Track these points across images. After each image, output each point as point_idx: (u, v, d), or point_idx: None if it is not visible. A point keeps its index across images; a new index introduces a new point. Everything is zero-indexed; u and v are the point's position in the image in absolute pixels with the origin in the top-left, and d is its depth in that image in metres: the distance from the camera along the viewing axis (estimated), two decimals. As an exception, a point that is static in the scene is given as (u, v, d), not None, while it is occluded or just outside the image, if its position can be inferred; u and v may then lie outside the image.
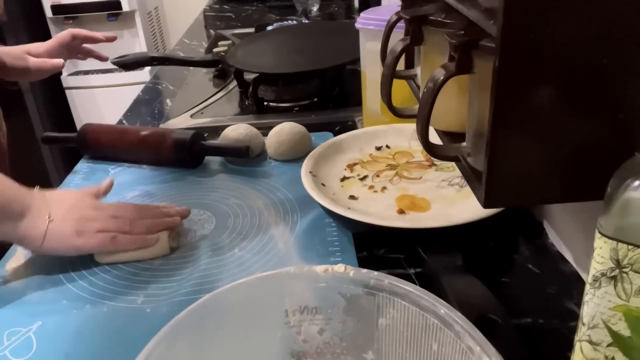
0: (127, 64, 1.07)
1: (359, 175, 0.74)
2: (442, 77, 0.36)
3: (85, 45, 1.00)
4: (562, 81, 0.31)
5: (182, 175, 0.81)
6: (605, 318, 0.31)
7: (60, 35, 0.95)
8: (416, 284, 0.38)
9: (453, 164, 0.42)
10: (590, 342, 0.33)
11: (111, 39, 0.99)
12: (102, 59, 1.02)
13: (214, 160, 0.84)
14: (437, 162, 0.75)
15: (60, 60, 0.88)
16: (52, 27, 2.19)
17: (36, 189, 0.61)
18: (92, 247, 0.60)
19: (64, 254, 0.61)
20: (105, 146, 0.85)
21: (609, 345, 0.32)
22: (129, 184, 0.79)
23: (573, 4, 0.29)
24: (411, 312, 0.38)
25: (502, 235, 0.62)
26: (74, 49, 0.99)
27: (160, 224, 0.64)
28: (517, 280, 0.56)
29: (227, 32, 1.49)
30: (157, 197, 0.75)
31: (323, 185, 0.70)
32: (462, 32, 0.36)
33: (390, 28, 0.54)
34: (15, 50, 0.91)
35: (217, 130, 0.95)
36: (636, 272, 0.29)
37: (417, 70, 0.57)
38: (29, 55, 0.90)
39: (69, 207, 0.61)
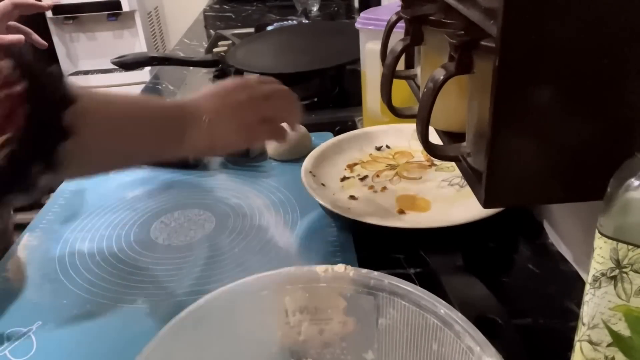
0: (127, 64, 1.07)
1: (359, 175, 0.74)
2: (442, 77, 0.36)
3: (25, 28, 0.92)
4: (562, 81, 0.31)
5: (182, 175, 0.81)
6: (605, 318, 0.31)
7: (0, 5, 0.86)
8: (416, 284, 0.38)
9: (453, 164, 0.42)
10: (590, 342, 0.33)
11: (51, 6, 0.92)
12: (40, 44, 0.94)
13: (214, 160, 0.84)
14: (437, 162, 0.75)
15: (20, 37, 0.82)
16: (52, 28, 2.19)
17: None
18: (265, 138, 0.62)
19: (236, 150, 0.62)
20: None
21: (609, 345, 0.32)
22: (129, 184, 0.79)
23: (573, 4, 0.29)
24: (411, 312, 0.38)
25: (502, 235, 0.62)
26: (12, 19, 0.88)
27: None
28: (517, 280, 0.56)
29: (227, 32, 1.49)
30: (157, 197, 0.75)
31: (323, 185, 0.70)
32: (462, 32, 0.36)
33: (390, 28, 0.54)
34: None
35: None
36: (636, 272, 0.29)
37: (417, 70, 0.57)
38: None
39: (218, 105, 0.55)
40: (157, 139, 0.53)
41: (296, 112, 0.60)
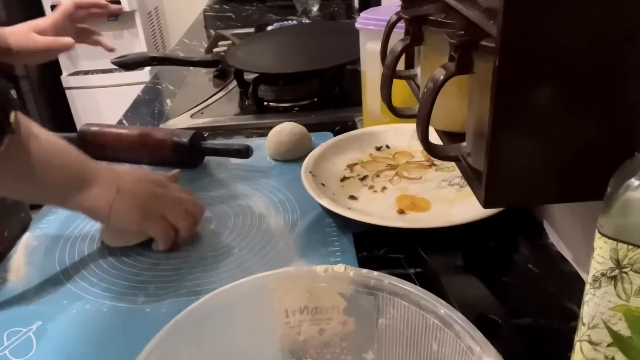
0: (127, 64, 1.07)
1: (359, 175, 0.74)
2: (442, 77, 0.36)
3: (95, 36, 0.96)
4: (562, 81, 0.31)
5: (182, 175, 0.80)
6: (605, 318, 0.31)
7: (63, 6, 0.89)
8: (416, 284, 0.38)
9: (453, 164, 0.43)
10: (590, 342, 0.33)
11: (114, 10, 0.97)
12: (108, 48, 0.98)
13: (214, 160, 0.84)
14: (437, 162, 0.75)
15: (69, 40, 0.82)
16: (52, 27, 2.19)
17: (103, 163, 0.62)
18: (155, 233, 0.62)
19: (128, 229, 0.62)
20: (106, 146, 0.85)
21: (609, 345, 0.32)
22: (129, 184, 0.79)
23: (573, 4, 0.29)
24: (411, 312, 0.38)
25: (502, 235, 0.62)
26: (80, 21, 0.93)
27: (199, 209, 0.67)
28: (517, 280, 0.56)
29: (227, 32, 1.49)
30: (157, 197, 0.75)
31: (323, 185, 0.70)
32: (462, 32, 0.36)
33: (390, 28, 0.54)
34: (20, 29, 0.85)
35: (217, 130, 0.95)
36: (636, 272, 0.29)
37: (417, 70, 0.57)
38: (35, 33, 0.83)
39: (136, 179, 0.62)
40: (64, 185, 0.57)
41: (190, 225, 0.64)
